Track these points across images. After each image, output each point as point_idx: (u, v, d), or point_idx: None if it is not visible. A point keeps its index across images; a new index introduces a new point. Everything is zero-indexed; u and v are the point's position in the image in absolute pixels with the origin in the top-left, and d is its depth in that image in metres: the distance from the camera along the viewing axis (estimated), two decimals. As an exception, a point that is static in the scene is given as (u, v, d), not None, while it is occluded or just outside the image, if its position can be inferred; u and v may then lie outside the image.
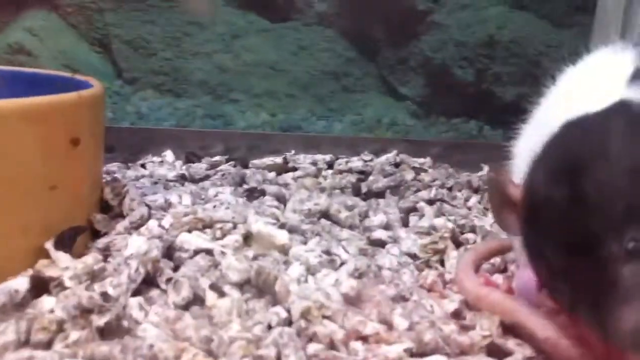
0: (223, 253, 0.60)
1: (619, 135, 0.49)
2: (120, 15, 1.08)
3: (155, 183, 0.87)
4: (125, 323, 0.50)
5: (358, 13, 1.14)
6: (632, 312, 0.45)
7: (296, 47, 1.13)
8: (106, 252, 0.61)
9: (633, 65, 0.56)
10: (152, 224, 0.63)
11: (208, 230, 0.66)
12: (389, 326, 0.55)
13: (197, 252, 0.62)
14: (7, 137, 0.54)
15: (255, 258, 0.62)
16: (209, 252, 0.62)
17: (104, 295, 0.53)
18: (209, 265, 0.59)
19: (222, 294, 0.55)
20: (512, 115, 1.06)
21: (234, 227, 0.68)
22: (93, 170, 0.66)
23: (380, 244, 0.76)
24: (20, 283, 0.52)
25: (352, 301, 0.59)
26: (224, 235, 0.66)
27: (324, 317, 0.54)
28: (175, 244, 0.62)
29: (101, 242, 0.63)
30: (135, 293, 0.55)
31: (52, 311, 0.50)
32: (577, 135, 0.52)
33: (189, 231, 0.64)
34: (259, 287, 0.58)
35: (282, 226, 0.70)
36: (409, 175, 1.02)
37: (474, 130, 1.20)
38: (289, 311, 0.55)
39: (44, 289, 0.55)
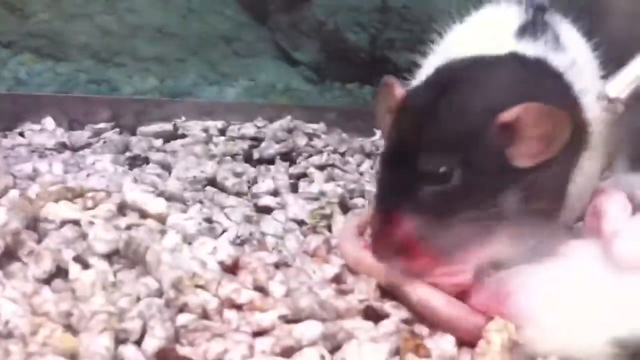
0: (91, 223, 0.57)
1: (483, 77, 0.53)
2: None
3: (33, 152, 0.83)
4: (-22, 299, 0.47)
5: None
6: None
7: (185, 9, 1.09)
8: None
9: (518, 20, 0.58)
10: (13, 193, 0.59)
11: (79, 200, 0.63)
12: (265, 293, 0.54)
13: (63, 223, 0.58)
14: None
15: (128, 228, 0.59)
16: (76, 222, 0.58)
17: (-44, 271, 0.49)
18: (76, 236, 0.56)
19: (86, 265, 0.52)
20: (406, 80, 1.06)
21: (108, 196, 0.64)
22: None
23: (267, 210, 0.75)
24: None
25: (230, 269, 0.57)
26: (95, 205, 0.62)
27: (197, 286, 0.53)
28: (40, 214, 0.58)
29: (-44, 214, 0.58)
30: (-6, 267, 0.52)
31: None
32: (454, 66, 0.55)
33: (56, 201, 0.61)
34: (129, 257, 0.55)
35: (160, 194, 0.67)
36: (302, 141, 1.00)
37: (368, 95, 1.20)
38: (160, 282, 0.53)
39: None
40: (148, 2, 1.06)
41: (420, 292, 0.53)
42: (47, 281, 0.51)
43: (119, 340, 0.44)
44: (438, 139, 0.50)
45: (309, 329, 0.49)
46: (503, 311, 0.49)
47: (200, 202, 0.70)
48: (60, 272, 0.52)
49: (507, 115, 0.49)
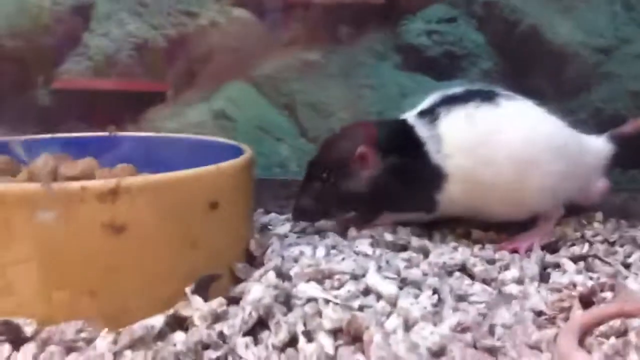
0: (327, 302, 0.68)
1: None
2: (302, 82, 1.22)
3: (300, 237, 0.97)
4: (230, 359, 0.61)
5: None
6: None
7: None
8: (238, 297, 0.72)
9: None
10: (271, 274, 0.73)
11: (327, 281, 0.75)
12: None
13: (308, 300, 0.70)
14: (154, 203, 0.67)
15: (361, 309, 0.69)
16: (317, 300, 0.70)
17: (220, 334, 0.64)
18: (314, 312, 0.68)
19: (311, 339, 0.63)
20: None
21: (353, 278, 0.75)
22: (233, 228, 0.77)
23: (509, 298, 0.78)
24: (157, 320, 0.64)
25: (437, 354, 0.63)
26: (340, 286, 0.74)
27: (401, 368, 0.60)
28: (293, 292, 0.71)
29: (239, 287, 0.74)
30: (249, 333, 0.65)
31: (174, 345, 0.62)
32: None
33: (308, 281, 0.73)
34: (350, 335, 0.65)
35: (402, 281, 0.76)
36: (570, 230, 1.00)
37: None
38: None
39: (182, 325, 0.67)
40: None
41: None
42: (282, 349, 0.63)
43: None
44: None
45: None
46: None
47: (436, 289, 0.76)
48: (294, 342, 0.64)
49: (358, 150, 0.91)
